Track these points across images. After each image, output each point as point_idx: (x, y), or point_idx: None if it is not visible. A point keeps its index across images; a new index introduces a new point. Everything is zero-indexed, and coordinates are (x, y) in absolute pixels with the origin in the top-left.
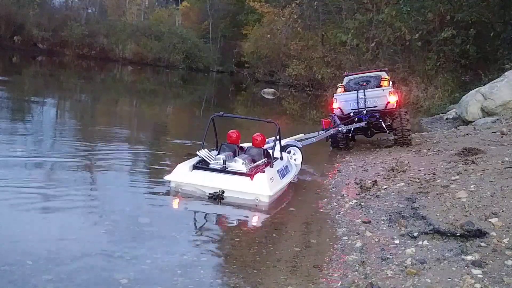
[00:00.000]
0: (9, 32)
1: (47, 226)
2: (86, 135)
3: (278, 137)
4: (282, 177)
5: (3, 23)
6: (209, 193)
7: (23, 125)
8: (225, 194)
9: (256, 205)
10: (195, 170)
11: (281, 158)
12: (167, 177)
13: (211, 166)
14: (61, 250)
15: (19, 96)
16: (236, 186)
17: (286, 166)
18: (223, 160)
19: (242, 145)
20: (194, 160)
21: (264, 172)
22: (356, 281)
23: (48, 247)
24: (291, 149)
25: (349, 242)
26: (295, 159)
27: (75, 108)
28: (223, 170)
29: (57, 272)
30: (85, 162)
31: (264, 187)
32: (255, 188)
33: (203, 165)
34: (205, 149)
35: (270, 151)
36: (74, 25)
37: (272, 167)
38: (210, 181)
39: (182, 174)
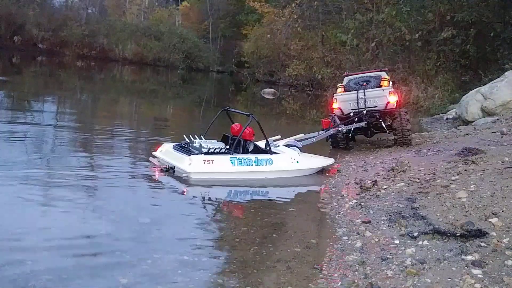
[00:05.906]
0: (9, 32)
1: (46, 226)
2: (86, 134)
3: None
4: (241, 165)
5: (3, 23)
6: (165, 167)
7: (22, 125)
8: (175, 170)
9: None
10: (171, 149)
11: (269, 152)
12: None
13: (186, 147)
14: (61, 250)
15: (19, 96)
16: (179, 164)
17: (263, 159)
18: (199, 144)
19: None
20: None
21: (201, 154)
22: (356, 281)
23: (48, 246)
24: (292, 149)
25: (349, 242)
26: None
27: (75, 108)
28: (183, 151)
29: (57, 272)
30: (84, 162)
31: (187, 165)
32: (186, 165)
33: (183, 146)
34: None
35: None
36: (74, 25)
37: (232, 154)
38: (168, 157)
39: (161, 150)
